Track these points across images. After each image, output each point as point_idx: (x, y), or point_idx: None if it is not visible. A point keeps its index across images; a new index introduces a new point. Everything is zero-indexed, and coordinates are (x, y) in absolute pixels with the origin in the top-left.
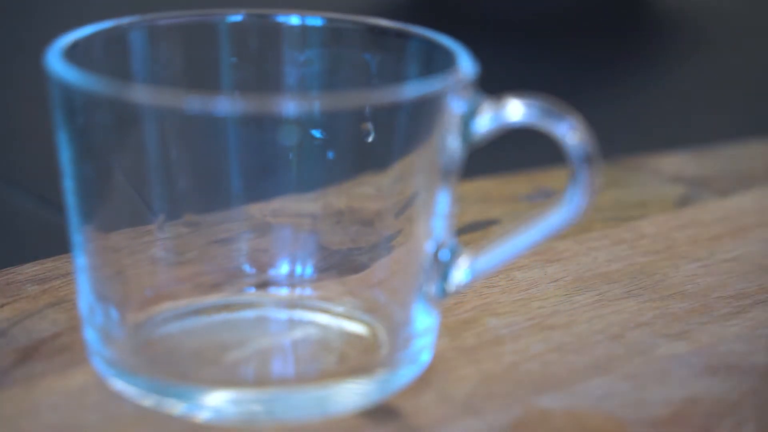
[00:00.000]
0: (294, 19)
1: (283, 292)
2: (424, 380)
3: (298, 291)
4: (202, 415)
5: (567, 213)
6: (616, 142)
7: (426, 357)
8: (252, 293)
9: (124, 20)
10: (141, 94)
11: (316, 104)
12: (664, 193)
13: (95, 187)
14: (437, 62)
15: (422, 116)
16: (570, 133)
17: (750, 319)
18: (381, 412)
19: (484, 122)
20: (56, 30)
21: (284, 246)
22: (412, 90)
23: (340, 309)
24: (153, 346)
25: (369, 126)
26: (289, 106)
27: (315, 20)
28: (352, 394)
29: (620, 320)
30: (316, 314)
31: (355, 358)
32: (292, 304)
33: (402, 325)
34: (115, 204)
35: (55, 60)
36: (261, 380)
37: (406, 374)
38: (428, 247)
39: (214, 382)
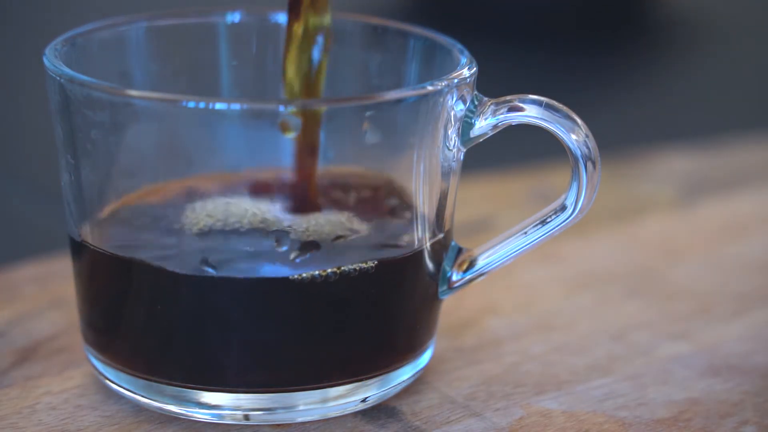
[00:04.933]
0: None
1: None
2: (424, 380)
3: None
4: (201, 416)
5: (568, 213)
6: (616, 141)
7: (426, 357)
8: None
9: (124, 20)
10: (139, 94)
11: (315, 104)
12: (664, 193)
13: (94, 185)
14: (437, 62)
15: (422, 116)
16: (570, 132)
17: (751, 319)
18: (381, 412)
19: (484, 122)
20: (56, 29)
21: (284, 245)
22: (412, 90)
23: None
24: (152, 347)
25: (369, 126)
26: (289, 106)
27: None
28: (352, 394)
29: (621, 321)
30: None
31: (355, 359)
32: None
33: (402, 325)
34: (113, 202)
35: (54, 59)
36: (261, 380)
37: (406, 374)
38: (428, 246)
39: (213, 382)
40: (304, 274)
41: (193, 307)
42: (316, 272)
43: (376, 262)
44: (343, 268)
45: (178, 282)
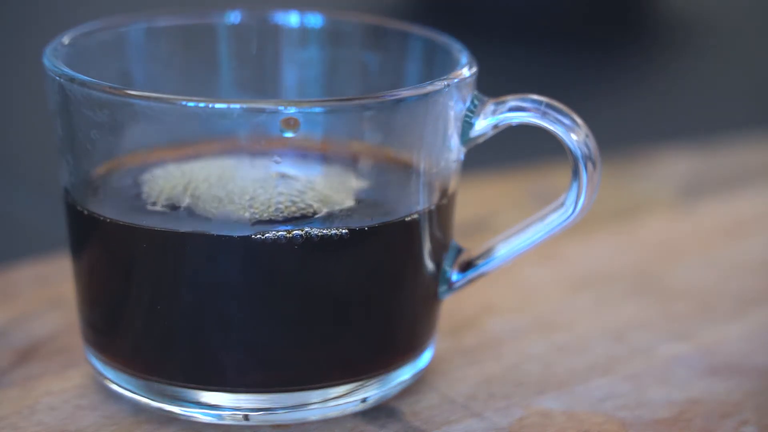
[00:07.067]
0: (293, 19)
1: None
2: (424, 381)
3: None
4: (201, 416)
5: (568, 213)
6: (616, 141)
7: (426, 357)
8: None
9: (124, 20)
10: (139, 94)
11: (316, 104)
12: (664, 193)
13: (94, 185)
14: (437, 62)
15: (422, 116)
16: (570, 132)
17: (751, 319)
18: (381, 412)
19: (484, 122)
20: (56, 29)
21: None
22: (412, 90)
23: None
24: (152, 346)
25: (368, 126)
26: (289, 106)
27: (315, 20)
28: (352, 394)
29: (621, 320)
30: None
31: (355, 359)
32: None
33: (402, 325)
34: (113, 201)
35: (54, 59)
36: (260, 380)
37: (406, 374)
38: (428, 246)
39: (213, 382)
40: (295, 232)
41: (187, 274)
42: (298, 232)
43: (371, 230)
44: (325, 231)
45: (175, 243)
